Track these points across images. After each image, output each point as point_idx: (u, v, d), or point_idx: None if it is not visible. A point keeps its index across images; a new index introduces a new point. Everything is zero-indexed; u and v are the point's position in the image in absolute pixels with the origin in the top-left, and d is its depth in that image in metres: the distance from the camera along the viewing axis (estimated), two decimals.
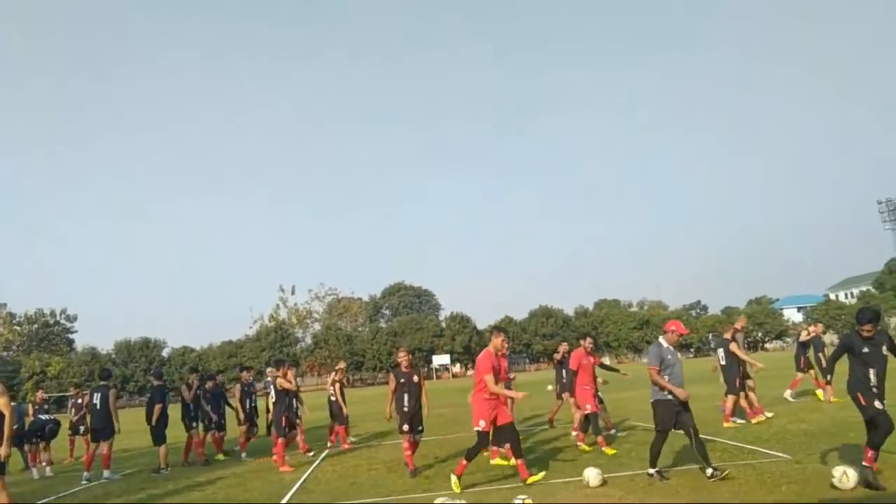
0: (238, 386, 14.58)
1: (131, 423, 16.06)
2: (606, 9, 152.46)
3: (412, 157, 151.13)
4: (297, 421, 12.43)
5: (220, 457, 13.65)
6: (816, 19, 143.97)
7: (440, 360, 79.54)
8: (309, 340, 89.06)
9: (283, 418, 11.57)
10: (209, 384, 14.01)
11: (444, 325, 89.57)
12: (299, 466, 11.32)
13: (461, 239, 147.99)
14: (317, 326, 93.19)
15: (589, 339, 11.52)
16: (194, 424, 13.36)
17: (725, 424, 11.83)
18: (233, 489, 9.69)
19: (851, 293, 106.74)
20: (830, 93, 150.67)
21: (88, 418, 13.17)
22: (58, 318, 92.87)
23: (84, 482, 11.54)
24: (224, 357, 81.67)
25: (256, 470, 11.45)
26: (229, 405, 14.47)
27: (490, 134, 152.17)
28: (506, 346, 8.93)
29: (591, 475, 7.70)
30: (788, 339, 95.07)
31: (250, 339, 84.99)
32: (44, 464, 13.82)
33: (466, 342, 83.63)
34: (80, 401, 15.70)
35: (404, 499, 7.87)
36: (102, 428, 11.90)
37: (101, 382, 12.35)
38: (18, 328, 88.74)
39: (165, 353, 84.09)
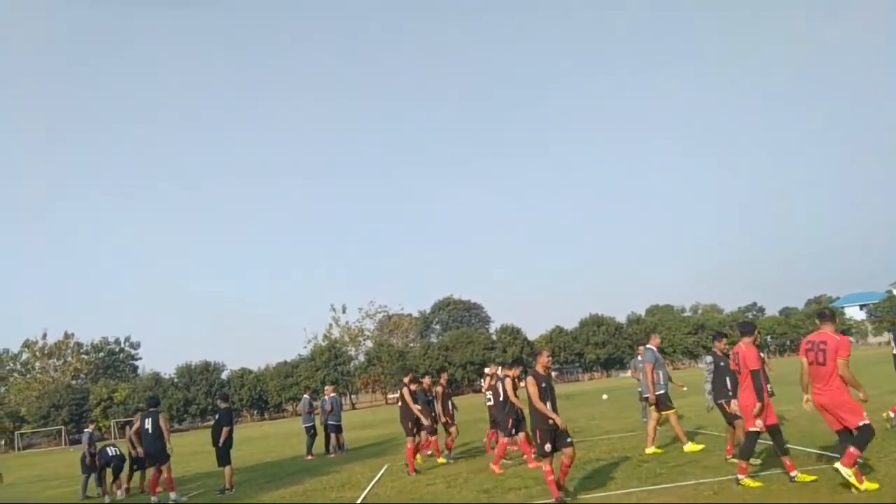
0: (439, 389, 14.24)
1: (195, 444, 16.44)
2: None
3: (456, 170, 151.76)
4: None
5: (441, 460, 13.15)
6: None
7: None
8: (362, 358, 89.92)
9: (511, 420, 11.59)
10: (414, 386, 13.40)
11: (494, 337, 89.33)
12: (358, 484, 11.47)
13: (508, 250, 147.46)
14: (369, 344, 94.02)
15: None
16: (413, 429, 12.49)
17: None
18: None
19: None
20: (883, 84, 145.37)
21: (139, 444, 13.12)
22: (122, 345, 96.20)
23: None
24: (281, 377, 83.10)
25: (318, 488, 11.64)
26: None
27: (535, 140, 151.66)
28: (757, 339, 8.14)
29: None
30: (853, 339, 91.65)
31: (305, 359, 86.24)
32: (116, 490, 14.27)
33: (518, 353, 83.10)
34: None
35: None
36: (156, 452, 12.31)
37: (151, 409, 12.77)
38: (86, 357, 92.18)
39: (225, 375, 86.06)
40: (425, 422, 12.53)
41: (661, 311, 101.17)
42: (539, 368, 8.03)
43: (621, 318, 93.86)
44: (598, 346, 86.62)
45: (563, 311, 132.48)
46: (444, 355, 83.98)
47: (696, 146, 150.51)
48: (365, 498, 9.98)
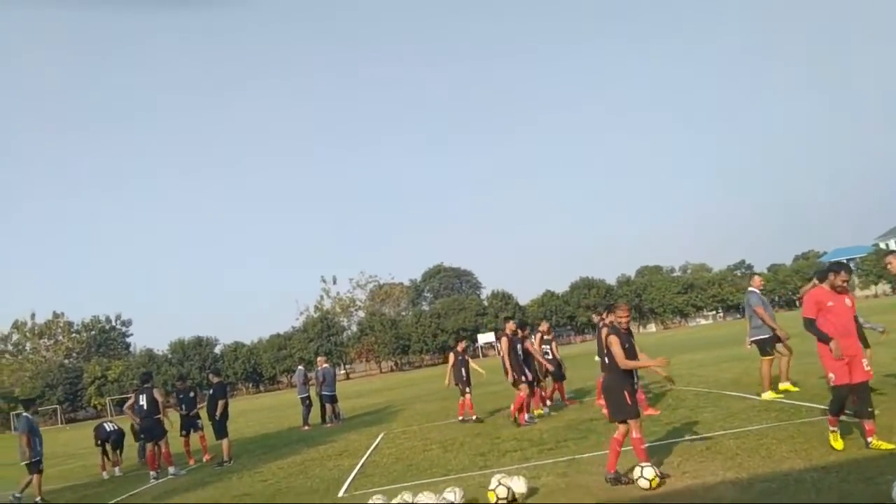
0: (539, 337, 13.72)
1: None
2: None
3: (442, 138, 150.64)
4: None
5: (538, 412, 12.49)
6: None
7: (485, 338, 79.81)
8: (354, 328, 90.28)
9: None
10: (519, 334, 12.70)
11: (486, 303, 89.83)
12: (356, 452, 11.57)
13: (497, 216, 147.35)
14: (361, 314, 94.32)
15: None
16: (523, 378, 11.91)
17: None
18: (294, 478, 9.95)
19: None
20: (874, 39, 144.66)
21: (133, 419, 13.31)
22: (113, 323, 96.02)
23: (152, 480, 11.98)
24: (274, 350, 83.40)
25: (316, 457, 11.72)
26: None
27: (518, 106, 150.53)
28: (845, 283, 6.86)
29: None
30: None
31: (298, 331, 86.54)
32: (114, 467, 14.33)
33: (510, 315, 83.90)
34: (192, 395, 14.40)
35: (462, 477, 7.97)
36: (152, 427, 12.34)
37: (144, 385, 12.75)
38: (77, 336, 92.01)
39: (218, 349, 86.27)
40: (515, 376, 11.78)
41: (651, 271, 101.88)
42: (624, 326, 7.11)
43: (612, 281, 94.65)
44: (590, 309, 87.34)
45: (554, 274, 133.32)
46: (437, 323, 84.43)
47: (681, 107, 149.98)
48: (363, 465, 10.05)
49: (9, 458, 25.43)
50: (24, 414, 12.35)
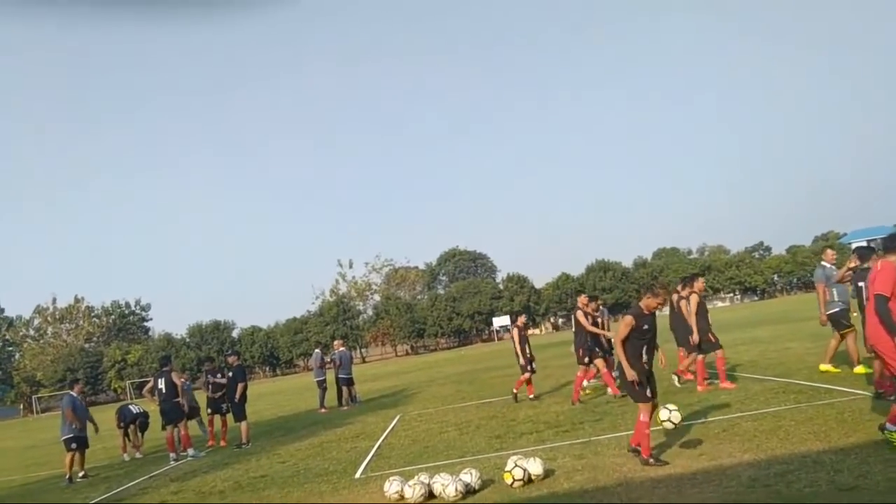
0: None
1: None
2: None
3: (457, 122, 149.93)
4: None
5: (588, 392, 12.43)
6: None
7: (500, 321, 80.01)
8: (370, 312, 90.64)
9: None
10: (591, 307, 12.37)
11: (501, 286, 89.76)
12: (372, 434, 11.65)
13: (512, 198, 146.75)
14: (376, 298, 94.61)
15: None
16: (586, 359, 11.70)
17: None
18: (312, 459, 10.05)
19: None
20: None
21: (152, 402, 13.44)
22: (133, 308, 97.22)
23: (172, 462, 12.16)
24: (291, 334, 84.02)
25: (333, 440, 11.82)
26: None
27: (533, 87, 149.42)
28: None
29: None
30: None
31: (314, 315, 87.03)
32: (135, 449, 14.54)
33: (525, 302, 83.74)
34: (219, 375, 14.09)
35: (478, 459, 8.00)
36: (171, 410, 12.50)
37: (164, 368, 12.91)
38: (97, 320, 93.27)
39: (235, 333, 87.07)
40: (606, 343, 11.58)
41: (668, 253, 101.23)
42: (646, 310, 6.73)
43: (628, 263, 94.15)
44: (606, 292, 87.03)
45: (570, 257, 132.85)
46: (452, 306, 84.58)
47: (698, 85, 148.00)
48: (379, 447, 10.13)
49: (31, 441, 25.96)
50: (70, 392, 13.22)
